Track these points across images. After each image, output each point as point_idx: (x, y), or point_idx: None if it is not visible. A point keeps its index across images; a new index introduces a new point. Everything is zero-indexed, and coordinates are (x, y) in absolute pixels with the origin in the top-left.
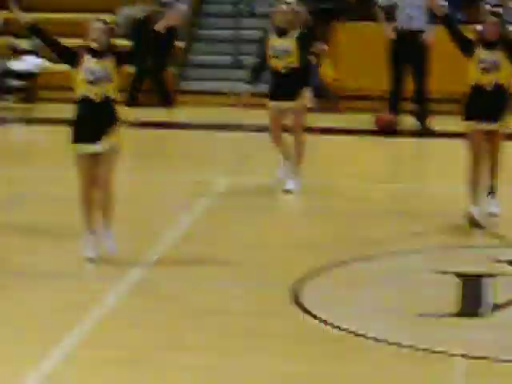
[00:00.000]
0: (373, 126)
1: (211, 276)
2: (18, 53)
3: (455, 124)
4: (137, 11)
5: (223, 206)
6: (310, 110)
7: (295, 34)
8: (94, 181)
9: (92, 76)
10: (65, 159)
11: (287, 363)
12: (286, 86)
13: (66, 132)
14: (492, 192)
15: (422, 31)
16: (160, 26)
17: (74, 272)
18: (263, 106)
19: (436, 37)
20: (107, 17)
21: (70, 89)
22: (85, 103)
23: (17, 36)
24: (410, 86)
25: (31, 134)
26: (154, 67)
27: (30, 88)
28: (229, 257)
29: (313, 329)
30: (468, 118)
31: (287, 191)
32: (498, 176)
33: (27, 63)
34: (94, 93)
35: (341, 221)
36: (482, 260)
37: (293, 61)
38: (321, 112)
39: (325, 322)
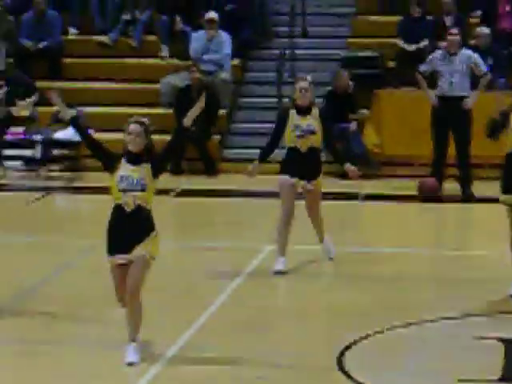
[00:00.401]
0: (416, 192)
1: (256, 344)
2: (61, 122)
3: (495, 190)
4: (179, 80)
5: (266, 272)
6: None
7: (316, 112)
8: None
9: (124, 184)
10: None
11: None
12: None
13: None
14: None
15: (464, 97)
16: (188, 122)
17: (115, 340)
18: None
19: (477, 103)
20: (143, 117)
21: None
22: (116, 212)
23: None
24: (452, 151)
25: (75, 202)
26: (198, 135)
27: (73, 157)
28: (274, 323)
29: None
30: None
31: (277, 272)
32: None
33: (71, 132)
34: (125, 202)
35: (382, 287)
36: None
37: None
38: (363, 179)
39: None
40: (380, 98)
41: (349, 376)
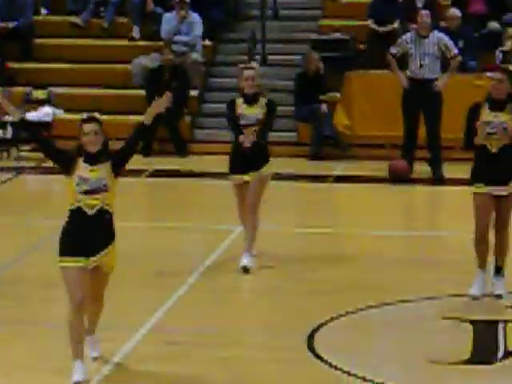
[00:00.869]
0: (386, 174)
1: (227, 324)
2: (32, 102)
3: (466, 171)
4: (151, 61)
5: (237, 254)
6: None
7: (263, 101)
8: (85, 296)
9: (84, 186)
10: None
11: None
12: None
13: None
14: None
15: (434, 79)
16: (148, 119)
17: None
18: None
19: (448, 85)
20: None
21: None
22: (76, 215)
23: (30, 86)
24: (423, 133)
25: (46, 183)
26: (169, 116)
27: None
28: (245, 303)
29: (326, 375)
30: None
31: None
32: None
33: (42, 112)
34: (86, 204)
35: (354, 269)
36: (495, 307)
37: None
38: (333, 160)
39: (336, 368)
40: (351, 80)
41: (318, 356)
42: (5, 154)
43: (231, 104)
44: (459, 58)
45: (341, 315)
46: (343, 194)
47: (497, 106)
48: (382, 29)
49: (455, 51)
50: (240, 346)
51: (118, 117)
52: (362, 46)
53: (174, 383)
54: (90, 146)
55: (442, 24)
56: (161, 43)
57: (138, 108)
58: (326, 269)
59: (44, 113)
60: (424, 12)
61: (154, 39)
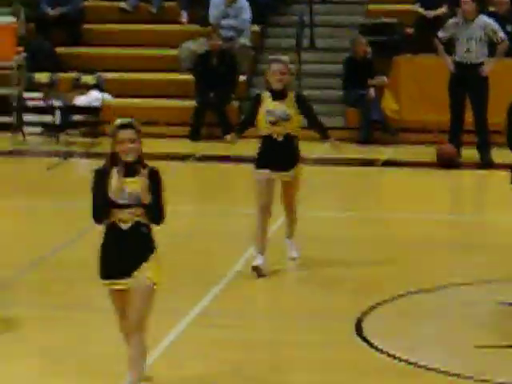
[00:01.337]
0: (434, 158)
1: (273, 309)
2: (81, 87)
3: None
4: (199, 45)
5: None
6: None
7: (292, 96)
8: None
9: (120, 200)
10: None
11: None
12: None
13: None
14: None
15: (481, 64)
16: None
17: None
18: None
19: (495, 70)
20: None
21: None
22: (111, 230)
23: (79, 71)
24: (470, 118)
25: (94, 167)
26: (217, 101)
27: (92, 122)
28: (291, 288)
29: (374, 359)
30: None
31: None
32: None
33: (90, 97)
34: (121, 218)
35: (404, 252)
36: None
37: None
38: (381, 144)
39: (386, 352)
40: (398, 64)
41: (367, 341)
42: (53, 139)
43: (256, 98)
44: (506, 43)
45: (390, 300)
46: (391, 178)
47: None
48: (429, 13)
49: (502, 36)
50: (287, 330)
51: (166, 101)
52: (409, 31)
53: (223, 365)
54: (128, 156)
55: (491, 9)
56: (209, 28)
57: (186, 92)
58: (374, 252)
59: (93, 98)
60: None
61: (202, 24)
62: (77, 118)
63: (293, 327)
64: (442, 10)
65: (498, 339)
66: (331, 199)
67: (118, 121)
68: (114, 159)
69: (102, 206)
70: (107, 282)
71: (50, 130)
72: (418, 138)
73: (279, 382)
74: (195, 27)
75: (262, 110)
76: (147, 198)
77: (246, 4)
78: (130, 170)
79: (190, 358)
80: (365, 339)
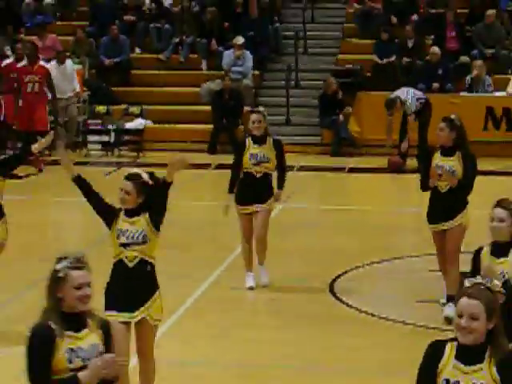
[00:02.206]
0: (386, 166)
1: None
2: (129, 115)
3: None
4: (215, 85)
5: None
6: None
7: (271, 141)
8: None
9: (123, 238)
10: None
11: (323, 334)
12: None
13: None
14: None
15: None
16: (170, 177)
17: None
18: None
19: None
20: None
21: (170, 141)
22: (118, 267)
23: (128, 104)
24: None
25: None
26: (228, 125)
27: (137, 141)
28: (281, 261)
29: (343, 311)
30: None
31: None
32: None
33: (136, 123)
34: (126, 256)
35: (366, 233)
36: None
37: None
38: (348, 156)
39: (353, 307)
40: (360, 98)
41: (338, 298)
42: (109, 153)
43: (242, 145)
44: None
45: (356, 267)
46: (355, 180)
47: (446, 152)
48: (382, 61)
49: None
50: (278, 291)
51: (191, 125)
52: (368, 74)
53: (236, 317)
54: (123, 204)
55: (427, 58)
56: (222, 72)
57: (206, 119)
58: (343, 233)
59: (138, 123)
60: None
61: (217, 69)
62: (126, 138)
63: (280, 289)
64: (392, 59)
65: (432, 296)
66: (311, 195)
67: (128, 172)
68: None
69: None
70: (112, 314)
71: (106, 146)
72: (374, 151)
73: (279, 326)
74: (212, 72)
75: (247, 154)
76: (152, 235)
77: (249, 55)
78: (132, 213)
79: (210, 311)
80: (336, 296)
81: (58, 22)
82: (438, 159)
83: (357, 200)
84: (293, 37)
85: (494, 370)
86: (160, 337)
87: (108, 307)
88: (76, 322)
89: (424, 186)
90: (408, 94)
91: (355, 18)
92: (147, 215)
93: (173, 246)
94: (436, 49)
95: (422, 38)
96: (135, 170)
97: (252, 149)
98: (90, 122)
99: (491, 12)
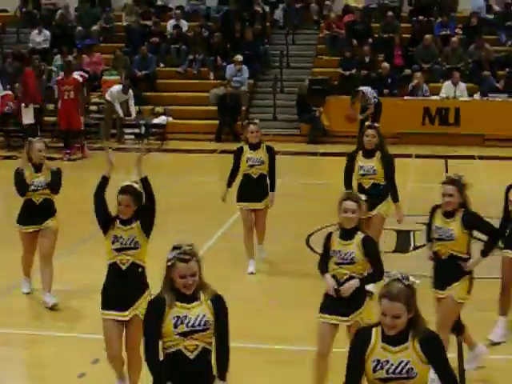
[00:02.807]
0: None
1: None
2: (155, 114)
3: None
4: (220, 91)
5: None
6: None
7: (264, 147)
8: (122, 344)
9: (117, 244)
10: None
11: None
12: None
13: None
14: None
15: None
16: (139, 173)
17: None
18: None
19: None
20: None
21: (186, 132)
22: (112, 270)
23: (154, 105)
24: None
25: (164, 157)
26: (230, 120)
27: (162, 133)
28: (269, 222)
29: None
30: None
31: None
32: None
33: (160, 119)
34: (120, 260)
35: (332, 201)
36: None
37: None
38: (321, 144)
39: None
40: (329, 101)
41: (312, 249)
42: (140, 142)
43: (239, 151)
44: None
45: (326, 226)
46: (326, 162)
47: (368, 153)
48: (345, 73)
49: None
50: (272, 249)
51: (202, 121)
52: (335, 83)
53: (241, 261)
54: (123, 215)
55: (380, 71)
56: (225, 82)
57: (213, 115)
58: (316, 203)
59: (162, 119)
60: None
61: (221, 79)
62: (153, 130)
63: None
64: (353, 71)
65: (383, 247)
66: (292, 173)
67: (122, 184)
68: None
69: None
70: (107, 312)
71: (138, 137)
72: (340, 140)
73: (274, 272)
74: (217, 81)
75: (244, 158)
76: (143, 241)
77: (246, 69)
78: (127, 222)
79: (219, 260)
80: (311, 248)
81: (102, 44)
82: (360, 161)
83: (326, 176)
84: (278, 55)
85: (418, 347)
86: None
87: (104, 307)
88: (187, 296)
89: (347, 185)
90: (368, 90)
91: (325, 40)
92: (139, 223)
93: (188, 209)
94: (386, 64)
95: (376, 56)
96: (127, 182)
97: (248, 153)
98: (126, 118)
99: (428, 36)
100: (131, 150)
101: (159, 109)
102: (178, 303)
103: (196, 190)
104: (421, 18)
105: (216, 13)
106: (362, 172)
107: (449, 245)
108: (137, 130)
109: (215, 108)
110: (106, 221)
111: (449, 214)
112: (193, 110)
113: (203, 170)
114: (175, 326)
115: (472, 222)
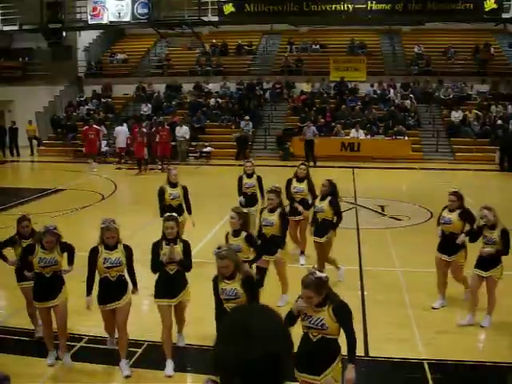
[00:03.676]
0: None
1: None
2: (205, 146)
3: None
4: (237, 134)
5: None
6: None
7: (255, 176)
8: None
9: (107, 263)
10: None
11: None
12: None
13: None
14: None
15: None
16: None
17: None
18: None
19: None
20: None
21: (221, 155)
22: (104, 280)
23: (205, 141)
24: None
25: (209, 169)
26: (242, 149)
27: (208, 156)
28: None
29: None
30: None
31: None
32: None
33: (207, 149)
34: (110, 274)
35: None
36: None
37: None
38: (289, 161)
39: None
40: (294, 139)
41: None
42: (195, 159)
43: (240, 178)
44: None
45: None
46: (292, 170)
47: (300, 180)
48: (302, 125)
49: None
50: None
51: (229, 150)
52: (296, 130)
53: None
54: (109, 242)
55: (319, 124)
56: (240, 129)
57: (233, 147)
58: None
59: (208, 149)
60: None
61: (238, 128)
62: (203, 154)
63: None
64: (305, 124)
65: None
66: (272, 177)
67: (105, 223)
68: (103, 241)
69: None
70: (102, 306)
71: (195, 158)
72: (299, 159)
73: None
74: (237, 129)
75: (242, 182)
76: (125, 260)
77: (250, 123)
78: (111, 247)
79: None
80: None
81: (178, 110)
82: (294, 183)
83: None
84: (267, 116)
85: (331, 311)
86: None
87: (100, 302)
88: (227, 276)
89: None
90: (313, 127)
91: (291, 108)
92: (122, 247)
93: (216, 194)
94: (322, 120)
95: (317, 116)
96: (110, 217)
97: (245, 179)
98: (189, 149)
99: (344, 106)
100: (191, 165)
101: (206, 143)
102: (224, 281)
103: (223, 184)
104: (338, 96)
105: (235, 94)
106: (295, 190)
107: (449, 227)
108: (195, 154)
109: (235, 143)
110: (94, 261)
111: (451, 210)
112: (223, 144)
113: (227, 176)
114: (222, 294)
115: (465, 216)
